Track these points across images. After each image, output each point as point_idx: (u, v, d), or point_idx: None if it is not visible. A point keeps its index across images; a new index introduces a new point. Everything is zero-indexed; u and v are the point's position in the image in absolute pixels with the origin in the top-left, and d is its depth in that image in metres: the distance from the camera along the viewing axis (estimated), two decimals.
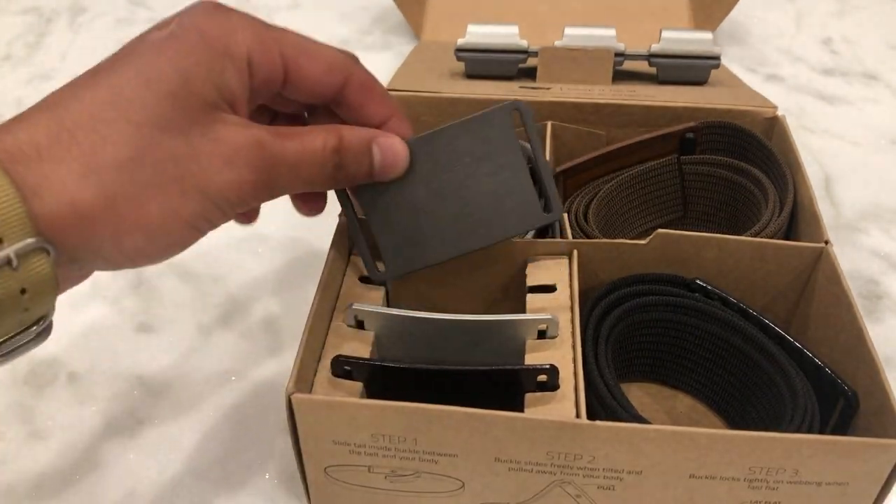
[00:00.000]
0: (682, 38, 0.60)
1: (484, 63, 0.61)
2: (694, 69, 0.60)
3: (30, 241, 0.25)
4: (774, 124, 0.53)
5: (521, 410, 0.34)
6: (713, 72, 0.60)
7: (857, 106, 0.72)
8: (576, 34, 0.60)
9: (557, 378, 0.34)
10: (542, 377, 0.34)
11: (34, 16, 0.84)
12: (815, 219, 0.44)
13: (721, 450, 0.32)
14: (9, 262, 0.24)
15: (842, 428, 0.37)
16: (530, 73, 0.60)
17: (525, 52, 0.60)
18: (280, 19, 0.83)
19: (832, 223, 0.59)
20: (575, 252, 0.41)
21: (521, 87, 0.58)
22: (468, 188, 0.38)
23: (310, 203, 0.37)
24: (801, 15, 0.86)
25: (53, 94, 0.28)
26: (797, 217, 0.46)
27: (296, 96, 0.33)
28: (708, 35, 0.60)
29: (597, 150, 0.52)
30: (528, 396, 0.35)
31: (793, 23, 0.84)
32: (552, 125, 0.53)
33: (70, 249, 0.26)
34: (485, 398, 0.33)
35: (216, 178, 0.29)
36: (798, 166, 0.47)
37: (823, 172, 0.64)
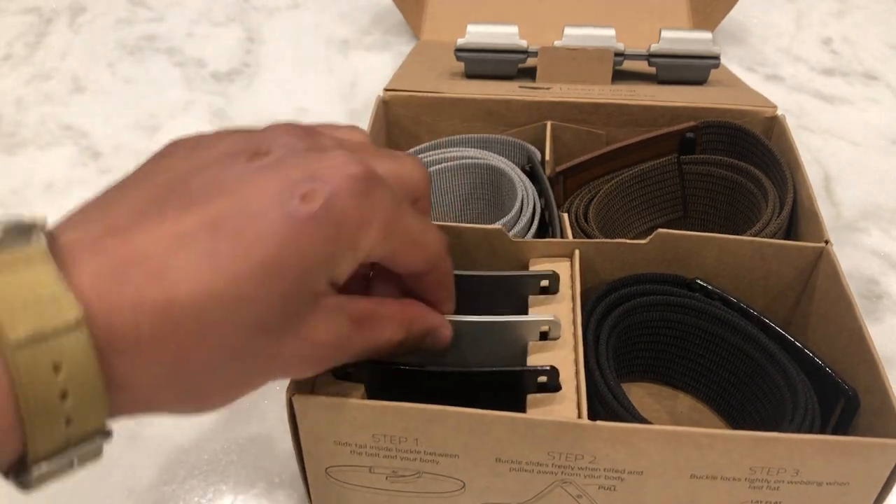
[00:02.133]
0: (682, 38, 0.60)
1: (483, 63, 0.61)
2: (693, 69, 0.60)
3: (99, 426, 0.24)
4: (774, 124, 0.53)
5: (523, 411, 0.34)
6: (713, 71, 0.60)
7: (858, 106, 0.72)
8: (575, 34, 0.60)
9: (558, 379, 0.34)
10: (543, 378, 0.34)
11: (34, 16, 0.84)
12: (815, 218, 0.44)
13: (722, 450, 0.32)
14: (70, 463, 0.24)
15: (842, 427, 0.37)
16: (530, 73, 0.60)
17: (525, 51, 0.60)
18: (280, 19, 0.84)
19: (832, 223, 0.59)
20: (576, 252, 0.41)
21: (520, 86, 0.58)
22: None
23: None
24: (801, 15, 0.86)
25: (164, 242, 0.24)
26: (797, 217, 0.46)
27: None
28: (707, 35, 0.60)
29: (597, 150, 0.52)
30: (531, 398, 0.35)
31: (793, 23, 0.84)
32: (552, 125, 0.53)
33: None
34: (486, 399, 0.33)
35: (287, 372, 0.29)
36: (798, 166, 0.47)
37: (823, 172, 0.64)
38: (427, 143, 0.53)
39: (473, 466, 0.34)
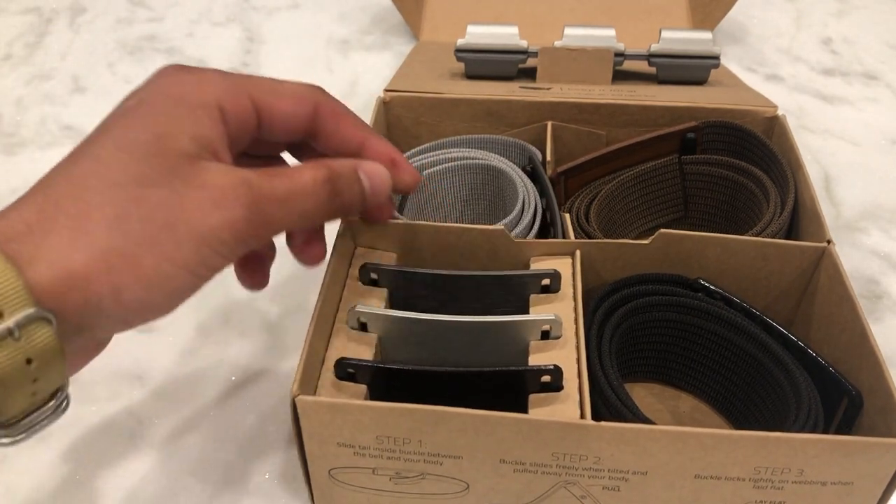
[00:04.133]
0: (682, 38, 0.60)
1: (484, 63, 0.61)
2: (693, 69, 0.60)
3: (30, 311, 0.25)
4: (775, 124, 0.53)
5: (525, 411, 0.34)
6: (713, 71, 0.60)
7: (858, 106, 0.72)
8: (575, 34, 0.60)
9: (561, 379, 0.34)
10: (546, 378, 0.34)
11: (34, 16, 0.84)
12: (816, 218, 0.44)
13: (726, 450, 0.32)
14: (10, 333, 0.25)
15: (846, 427, 0.37)
16: (530, 74, 0.60)
17: (525, 52, 0.60)
18: (280, 19, 0.84)
19: (832, 223, 0.59)
20: (577, 252, 0.41)
21: (521, 87, 0.58)
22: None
23: (253, 275, 0.38)
24: (801, 15, 0.86)
25: (44, 175, 0.29)
26: (799, 216, 0.46)
27: (272, 136, 0.34)
28: (707, 35, 0.60)
29: (598, 151, 0.52)
30: (532, 397, 0.35)
31: (793, 23, 0.84)
32: (552, 125, 0.53)
33: (73, 316, 0.27)
34: (488, 399, 0.33)
35: (207, 220, 0.29)
36: (799, 166, 0.47)
37: (823, 172, 0.64)
38: (428, 144, 0.53)
39: (477, 468, 0.34)
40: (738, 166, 0.50)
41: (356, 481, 0.36)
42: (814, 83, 0.75)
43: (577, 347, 0.36)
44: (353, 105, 0.73)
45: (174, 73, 0.32)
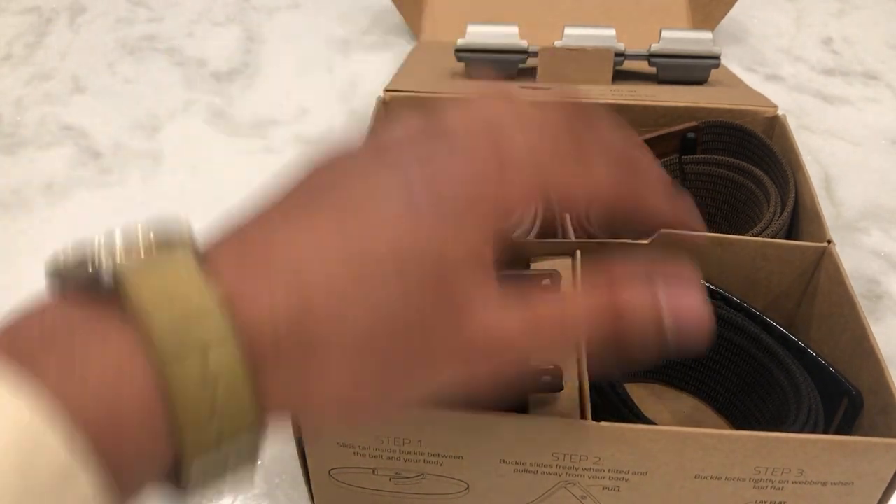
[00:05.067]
0: (682, 38, 0.60)
1: (484, 63, 0.61)
2: (694, 69, 0.60)
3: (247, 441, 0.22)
4: (775, 124, 0.53)
5: (525, 411, 0.34)
6: (713, 71, 0.60)
7: (858, 106, 0.72)
8: (576, 34, 0.60)
9: (561, 379, 0.34)
10: (546, 378, 0.34)
11: (34, 16, 0.83)
12: (817, 218, 0.44)
13: (726, 450, 0.32)
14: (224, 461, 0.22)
15: (846, 427, 0.37)
16: (530, 74, 0.60)
17: (525, 52, 0.60)
18: (280, 19, 0.84)
19: (832, 223, 0.59)
20: (578, 252, 0.41)
21: (521, 87, 0.58)
22: None
23: None
24: (802, 15, 0.86)
25: (300, 238, 0.24)
26: (799, 217, 0.46)
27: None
28: (708, 35, 0.60)
29: None
30: (532, 397, 0.35)
31: (793, 23, 0.84)
32: None
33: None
34: (487, 399, 0.33)
35: (447, 372, 0.25)
36: (799, 165, 0.47)
37: (824, 172, 0.64)
38: None
39: (477, 468, 0.34)
40: (738, 166, 0.50)
41: (356, 481, 0.36)
42: (814, 83, 0.75)
43: (577, 347, 0.36)
44: (353, 105, 0.73)
45: (474, 161, 0.25)
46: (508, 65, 0.60)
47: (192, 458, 0.22)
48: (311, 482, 0.37)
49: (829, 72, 0.77)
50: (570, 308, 0.26)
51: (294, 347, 0.22)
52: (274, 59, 0.78)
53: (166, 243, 0.23)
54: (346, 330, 0.23)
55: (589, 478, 0.34)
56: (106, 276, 0.21)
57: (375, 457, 0.35)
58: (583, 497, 0.35)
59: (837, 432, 0.38)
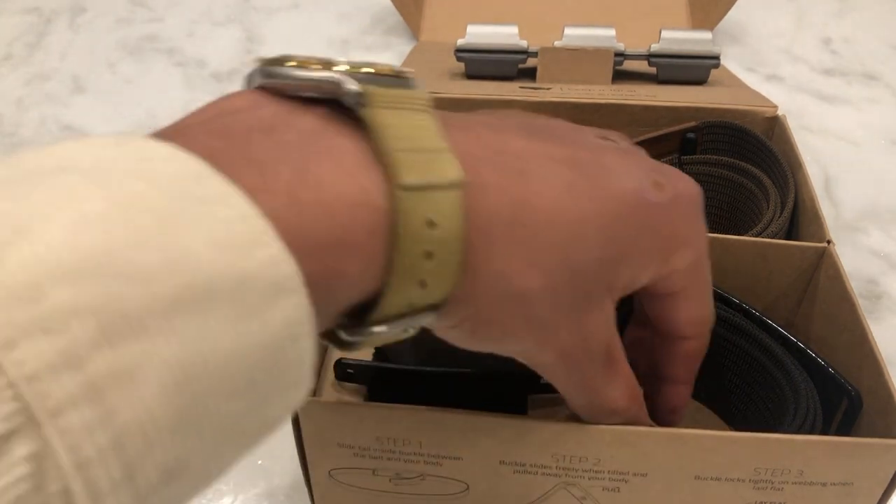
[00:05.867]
0: (682, 38, 0.60)
1: (484, 63, 0.61)
2: (694, 69, 0.60)
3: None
4: (775, 124, 0.53)
5: (525, 412, 0.34)
6: (713, 71, 0.60)
7: (858, 106, 0.72)
8: (576, 34, 0.60)
9: None
10: (545, 379, 0.34)
11: (34, 16, 0.84)
12: (816, 218, 0.44)
13: (726, 451, 0.32)
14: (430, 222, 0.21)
15: (846, 427, 0.37)
16: (530, 74, 0.60)
17: (525, 52, 0.60)
18: (280, 19, 0.84)
19: (832, 223, 0.59)
20: None
21: (521, 87, 0.58)
22: None
23: None
24: (802, 15, 0.86)
25: (522, 156, 0.25)
26: (799, 217, 0.46)
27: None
28: (707, 35, 0.60)
29: None
30: (532, 398, 0.35)
31: (793, 23, 0.84)
32: None
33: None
34: (488, 401, 0.33)
35: (552, 354, 0.27)
36: (799, 166, 0.47)
37: (823, 172, 0.64)
38: None
39: (477, 469, 0.34)
40: (737, 166, 0.50)
41: (356, 482, 0.36)
42: (814, 83, 0.75)
43: None
44: None
45: (698, 201, 0.29)
46: (508, 65, 0.60)
47: (392, 297, 0.21)
48: (312, 483, 0.37)
49: (828, 72, 0.77)
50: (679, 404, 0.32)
51: (506, 236, 0.23)
52: None
53: (408, 87, 0.22)
54: (553, 238, 0.24)
55: (589, 479, 0.34)
56: (349, 94, 0.21)
57: (375, 457, 0.35)
58: (582, 498, 0.35)
59: (837, 433, 0.38)
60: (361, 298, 0.21)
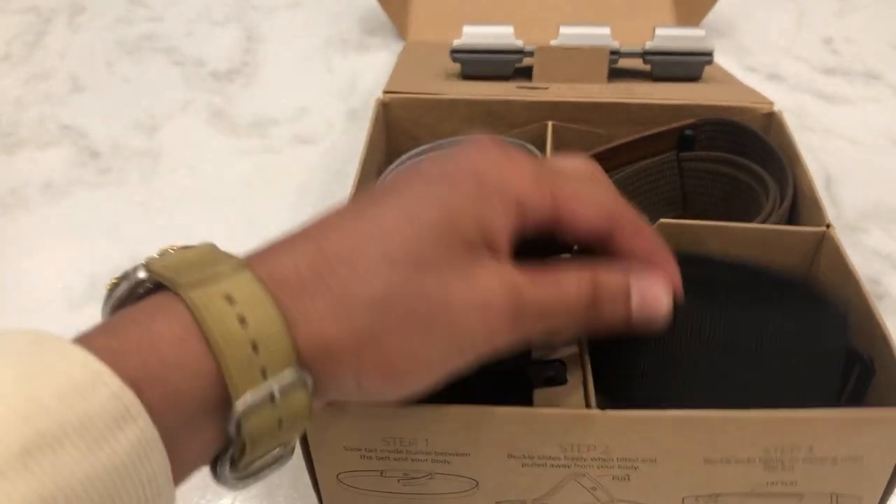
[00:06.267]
0: (676, 35, 0.60)
1: (480, 64, 0.61)
2: (687, 65, 0.61)
3: (293, 376, 0.24)
4: (772, 120, 0.53)
5: (531, 406, 0.34)
6: (707, 69, 0.61)
7: (858, 105, 0.72)
8: (571, 33, 0.60)
9: (565, 373, 0.34)
10: (551, 372, 0.34)
11: (33, 15, 0.83)
12: (815, 205, 0.44)
13: (734, 431, 0.32)
14: (272, 398, 0.24)
15: (858, 396, 0.37)
16: (526, 73, 0.60)
17: (521, 52, 0.60)
18: (279, 19, 0.84)
19: (833, 223, 0.59)
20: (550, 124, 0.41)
21: (518, 86, 0.58)
22: None
23: None
24: (802, 14, 0.86)
25: (318, 222, 0.28)
26: (798, 206, 0.47)
27: (563, 238, 0.31)
28: (701, 32, 0.60)
29: (596, 149, 0.52)
30: (537, 392, 0.35)
31: (793, 22, 0.85)
32: (552, 125, 0.53)
33: (319, 385, 0.26)
34: (493, 396, 0.33)
35: (467, 321, 0.27)
36: (797, 159, 0.47)
37: (824, 172, 0.64)
38: (428, 145, 0.53)
39: (485, 464, 0.34)
40: (736, 162, 0.50)
41: (365, 485, 0.36)
42: (815, 82, 0.75)
43: (580, 340, 0.36)
44: (352, 104, 0.73)
45: (487, 152, 0.30)
46: (504, 65, 0.60)
47: (241, 391, 0.24)
48: (320, 488, 0.36)
49: (829, 71, 0.77)
50: (564, 276, 0.29)
51: (314, 284, 0.26)
52: (273, 58, 0.78)
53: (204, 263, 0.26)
54: (357, 264, 0.26)
55: (598, 468, 0.33)
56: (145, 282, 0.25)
57: (383, 458, 0.34)
58: (593, 489, 0.34)
59: (850, 400, 0.37)
60: (220, 419, 0.24)
